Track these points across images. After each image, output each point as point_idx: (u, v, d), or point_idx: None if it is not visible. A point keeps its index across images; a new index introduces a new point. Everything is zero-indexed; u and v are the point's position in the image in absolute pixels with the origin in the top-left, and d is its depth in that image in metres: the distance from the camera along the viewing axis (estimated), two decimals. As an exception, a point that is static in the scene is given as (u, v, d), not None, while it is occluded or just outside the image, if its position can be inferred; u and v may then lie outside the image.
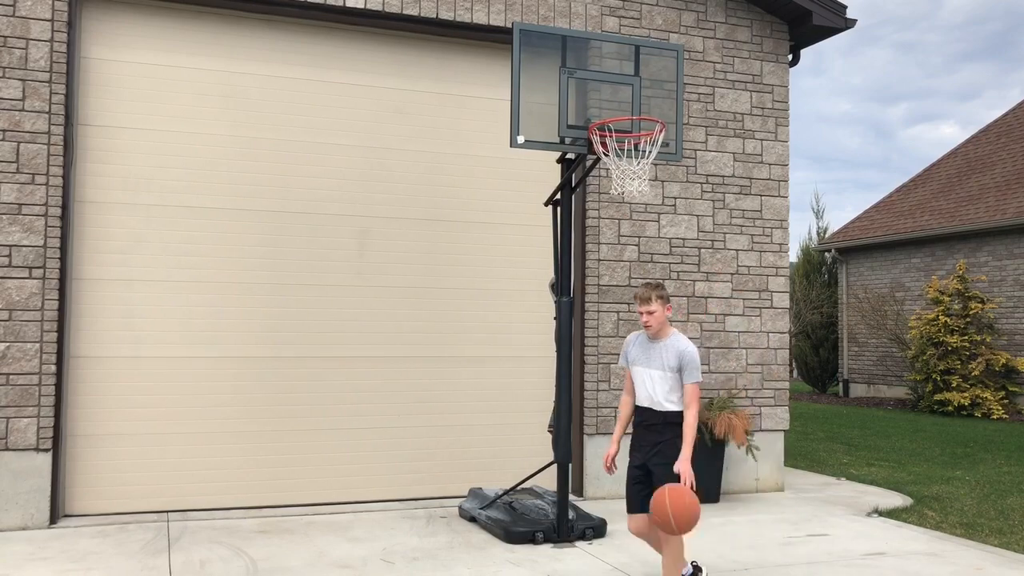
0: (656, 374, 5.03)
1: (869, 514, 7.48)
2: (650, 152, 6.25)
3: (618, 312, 8.04)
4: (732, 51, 8.60)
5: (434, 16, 7.61)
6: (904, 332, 19.07)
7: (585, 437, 7.92)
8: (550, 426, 7.23)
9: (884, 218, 21.67)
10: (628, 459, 5.17)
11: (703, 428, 7.74)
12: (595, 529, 6.45)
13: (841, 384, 22.15)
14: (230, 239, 7.35)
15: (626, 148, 6.32)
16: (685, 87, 8.27)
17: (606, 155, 6.20)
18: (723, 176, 8.51)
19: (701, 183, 8.44)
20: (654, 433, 5.04)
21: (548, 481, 7.69)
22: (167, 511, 7.04)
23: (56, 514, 6.66)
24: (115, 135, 7.08)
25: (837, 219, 78.11)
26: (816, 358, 22.72)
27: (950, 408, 16.68)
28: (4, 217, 6.52)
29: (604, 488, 7.92)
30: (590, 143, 6.32)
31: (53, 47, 6.66)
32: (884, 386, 20.83)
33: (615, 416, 8.00)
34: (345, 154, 7.68)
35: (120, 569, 5.49)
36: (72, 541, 6.15)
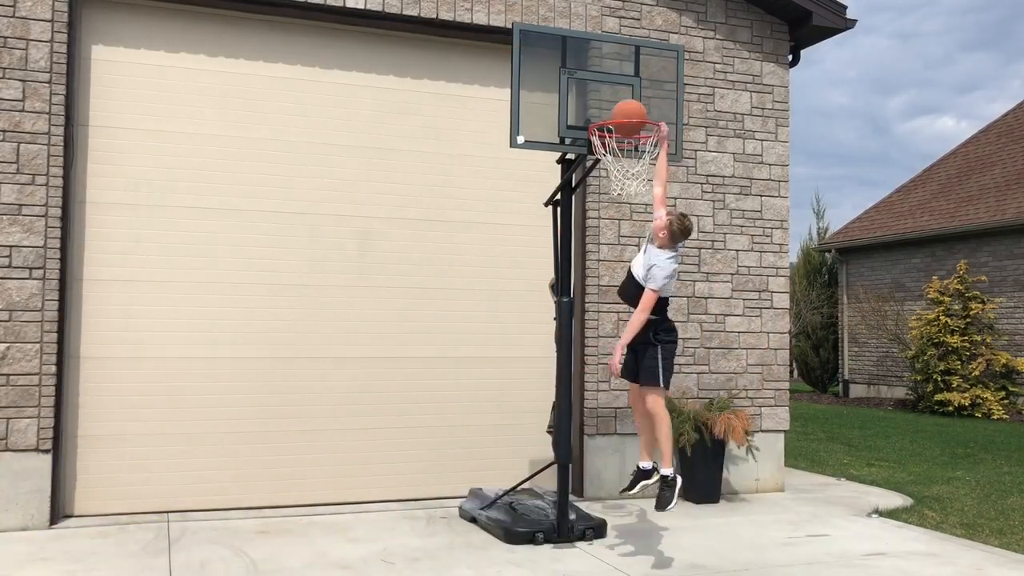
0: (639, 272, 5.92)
1: (869, 514, 7.48)
2: (650, 152, 6.25)
3: (618, 312, 8.04)
4: (732, 52, 8.60)
5: (434, 16, 7.62)
6: (904, 332, 19.07)
7: (585, 438, 7.92)
8: (550, 426, 7.23)
9: (884, 218, 21.68)
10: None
11: (702, 428, 7.74)
12: (595, 529, 6.44)
13: (841, 384, 22.16)
14: (230, 239, 7.35)
15: (626, 149, 6.32)
16: (685, 87, 8.25)
17: (606, 155, 6.20)
18: (723, 176, 8.51)
19: (701, 183, 8.44)
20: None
21: (548, 481, 7.67)
22: (167, 512, 7.04)
23: (56, 515, 6.65)
24: (115, 135, 7.08)
25: (836, 217, 78.07)
26: (816, 358, 22.73)
27: (950, 408, 16.67)
28: (4, 218, 6.52)
29: (604, 488, 7.92)
30: (590, 143, 6.32)
31: (53, 47, 6.66)
32: (884, 386, 20.83)
33: (615, 417, 8.00)
34: (345, 154, 7.68)
35: (120, 569, 5.49)
36: (72, 542, 6.15)
